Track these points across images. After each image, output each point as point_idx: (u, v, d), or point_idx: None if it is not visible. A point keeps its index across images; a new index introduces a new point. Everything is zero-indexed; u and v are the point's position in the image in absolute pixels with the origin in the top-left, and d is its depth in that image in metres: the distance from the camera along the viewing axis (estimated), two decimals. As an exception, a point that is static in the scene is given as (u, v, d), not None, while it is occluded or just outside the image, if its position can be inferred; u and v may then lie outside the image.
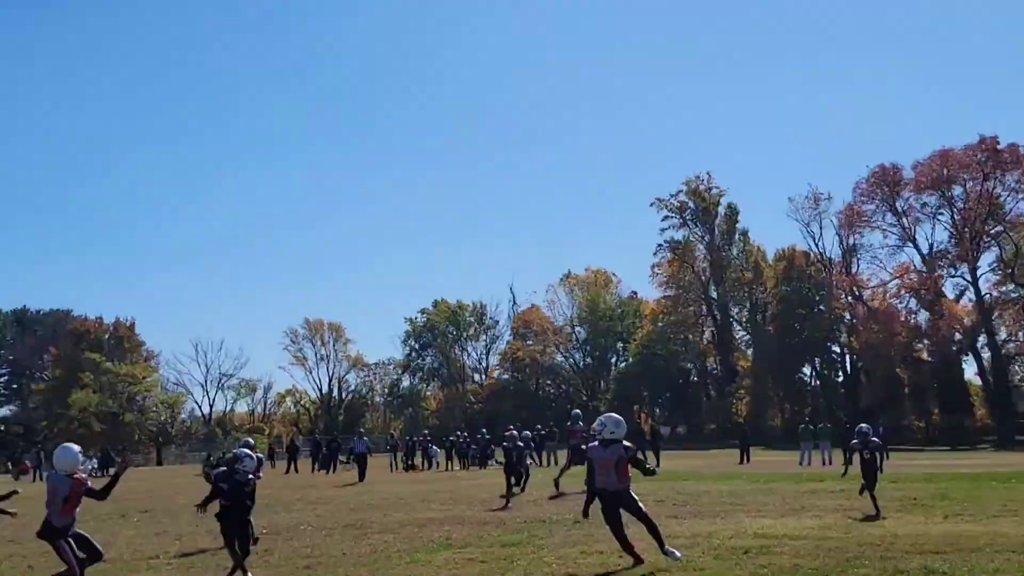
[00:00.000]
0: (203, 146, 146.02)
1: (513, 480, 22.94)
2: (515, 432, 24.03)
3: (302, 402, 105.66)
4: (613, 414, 10.69)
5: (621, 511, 10.85)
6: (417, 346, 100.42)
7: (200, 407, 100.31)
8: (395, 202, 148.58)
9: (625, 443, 10.39)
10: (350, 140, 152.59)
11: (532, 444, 25.27)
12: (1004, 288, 67.46)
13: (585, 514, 11.64)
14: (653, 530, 10.91)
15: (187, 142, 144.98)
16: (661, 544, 10.85)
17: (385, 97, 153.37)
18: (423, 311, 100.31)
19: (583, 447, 25.68)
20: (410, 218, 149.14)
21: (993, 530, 13.46)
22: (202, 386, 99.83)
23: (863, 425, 17.19)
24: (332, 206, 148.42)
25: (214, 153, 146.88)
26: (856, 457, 16.83)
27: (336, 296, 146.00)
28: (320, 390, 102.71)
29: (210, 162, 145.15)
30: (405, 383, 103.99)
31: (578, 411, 29.19)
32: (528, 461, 24.51)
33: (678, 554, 10.96)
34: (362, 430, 51.62)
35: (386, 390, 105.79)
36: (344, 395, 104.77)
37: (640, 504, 10.93)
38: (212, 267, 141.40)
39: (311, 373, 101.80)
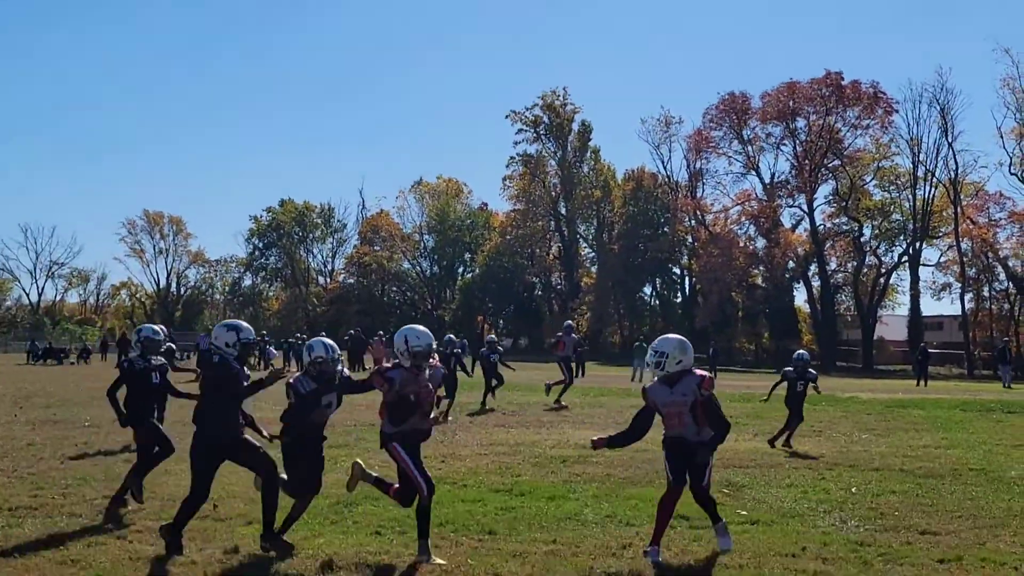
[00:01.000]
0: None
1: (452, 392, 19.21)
2: (452, 337, 21.54)
3: (137, 295, 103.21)
4: (670, 335, 7.58)
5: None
6: (261, 245, 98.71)
7: (28, 295, 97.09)
8: (244, 95, 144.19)
9: (698, 371, 7.37)
10: (208, 27, 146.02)
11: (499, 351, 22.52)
12: (837, 220, 70.30)
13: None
14: (709, 505, 7.51)
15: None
16: (715, 520, 7.53)
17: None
18: (269, 210, 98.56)
19: (572, 362, 23.62)
20: (259, 113, 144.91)
21: (795, 448, 14.23)
22: (31, 273, 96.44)
23: (803, 352, 15.48)
24: (178, 93, 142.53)
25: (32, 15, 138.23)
26: (786, 386, 14.76)
27: (179, 189, 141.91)
28: (157, 284, 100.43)
29: (31, 26, 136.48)
30: (247, 282, 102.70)
31: (570, 322, 28.64)
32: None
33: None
34: (209, 326, 50.54)
35: (227, 288, 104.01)
36: (183, 291, 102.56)
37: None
38: (42, 147, 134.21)
39: (148, 266, 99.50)
